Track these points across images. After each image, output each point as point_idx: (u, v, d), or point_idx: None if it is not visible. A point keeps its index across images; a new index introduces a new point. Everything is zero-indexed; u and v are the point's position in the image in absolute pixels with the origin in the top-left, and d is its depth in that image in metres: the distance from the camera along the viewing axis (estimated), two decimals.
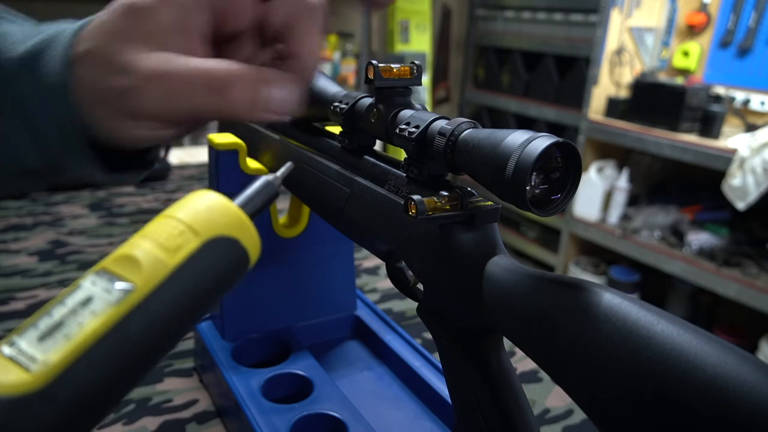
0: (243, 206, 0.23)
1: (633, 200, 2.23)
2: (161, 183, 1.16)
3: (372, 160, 0.39)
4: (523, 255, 2.72)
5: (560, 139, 0.26)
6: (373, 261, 0.87)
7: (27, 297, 0.70)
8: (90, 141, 0.30)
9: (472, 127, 0.31)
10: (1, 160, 0.30)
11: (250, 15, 0.31)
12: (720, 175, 1.79)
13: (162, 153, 1.24)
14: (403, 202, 0.34)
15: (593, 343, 0.24)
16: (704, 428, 0.20)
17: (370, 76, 0.34)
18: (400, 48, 2.85)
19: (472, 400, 0.33)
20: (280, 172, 0.26)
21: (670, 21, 2.23)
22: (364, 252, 0.88)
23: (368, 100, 0.38)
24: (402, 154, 0.36)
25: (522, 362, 0.63)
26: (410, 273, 0.37)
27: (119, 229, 0.91)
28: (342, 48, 2.71)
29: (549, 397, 0.58)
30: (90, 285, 0.19)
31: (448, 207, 0.31)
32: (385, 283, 0.80)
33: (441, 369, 0.49)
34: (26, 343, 0.18)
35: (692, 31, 2.22)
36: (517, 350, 0.65)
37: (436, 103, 3.16)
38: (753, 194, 1.70)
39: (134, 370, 0.19)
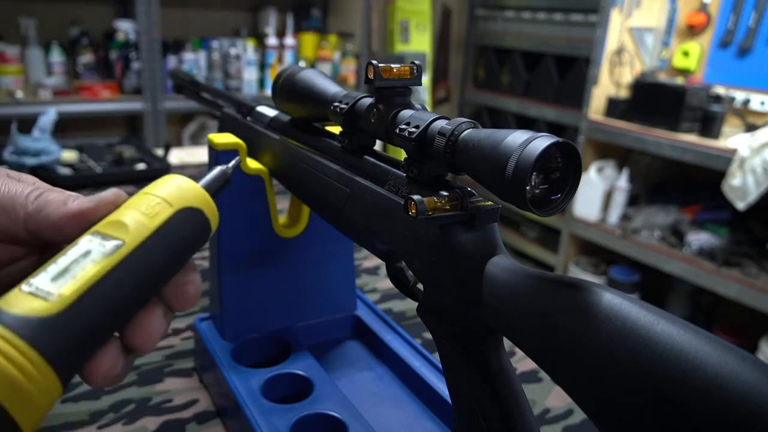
0: (205, 186, 0.29)
1: (633, 200, 2.23)
2: None
3: (372, 160, 0.39)
4: (523, 255, 2.72)
5: (560, 139, 0.26)
6: (373, 261, 0.87)
7: None
8: None
9: (472, 127, 0.31)
10: None
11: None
12: (720, 175, 1.79)
13: (162, 153, 1.24)
14: (403, 202, 0.34)
15: (593, 343, 0.24)
16: (704, 428, 0.20)
17: (370, 76, 0.34)
18: (400, 48, 2.85)
19: (472, 400, 0.33)
20: (231, 164, 0.31)
21: (670, 21, 2.23)
22: (364, 252, 0.88)
23: (368, 100, 0.38)
24: (402, 154, 0.36)
25: (522, 362, 0.63)
26: (410, 273, 0.37)
27: None
28: (342, 48, 2.71)
29: (549, 397, 0.58)
30: (88, 242, 0.25)
31: (448, 207, 0.31)
32: (385, 283, 0.80)
33: (441, 369, 0.49)
34: (41, 282, 0.23)
35: (692, 31, 2.22)
36: (517, 350, 0.65)
37: (436, 103, 3.16)
38: (753, 194, 1.70)
39: (127, 304, 0.25)
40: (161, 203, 0.26)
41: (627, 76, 2.21)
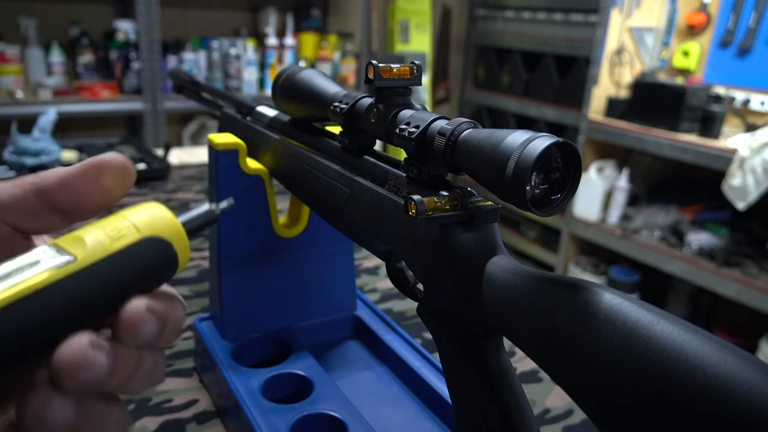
0: (185, 221, 0.27)
1: (633, 200, 2.23)
2: (161, 183, 1.16)
3: (372, 160, 0.39)
4: (523, 255, 2.72)
5: (560, 139, 0.26)
6: (373, 261, 0.87)
7: None
8: None
9: (472, 127, 0.31)
10: None
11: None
12: (720, 175, 1.79)
13: (162, 153, 1.24)
14: (403, 202, 0.34)
15: (593, 343, 0.24)
16: (704, 428, 0.20)
17: (370, 76, 0.34)
18: (400, 48, 2.85)
19: (472, 400, 0.33)
20: (221, 205, 0.30)
21: (670, 21, 2.23)
22: (364, 252, 0.88)
23: (368, 100, 0.38)
24: (402, 154, 0.36)
25: (522, 362, 0.63)
26: (410, 273, 0.37)
27: None
28: (342, 48, 2.71)
29: (549, 397, 0.58)
30: (41, 252, 0.24)
31: (448, 207, 0.31)
32: (385, 283, 0.80)
33: (441, 369, 0.49)
34: None
35: (692, 31, 2.22)
36: (517, 350, 0.65)
37: (436, 103, 3.16)
38: (753, 194, 1.70)
39: (62, 323, 0.23)
40: (129, 227, 0.25)
41: (627, 76, 2.21)
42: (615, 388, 0.23)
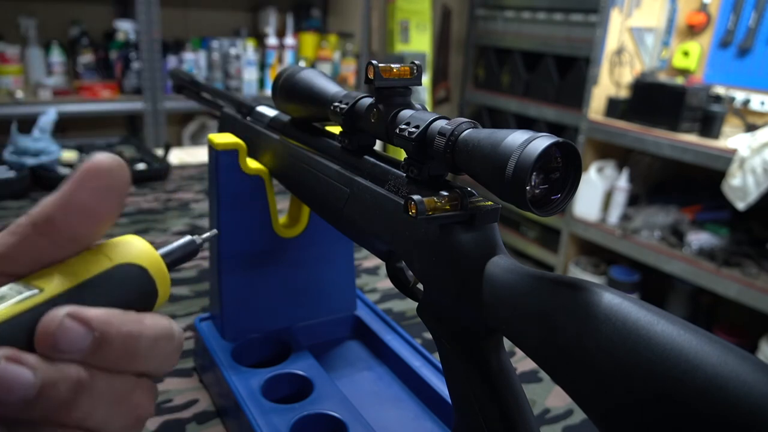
0: (163, 253, 0.27)
1: (633, 200, 2.23)
2: (161, 183, 1.16)
3: (372, 160, 0.39)
4: (523, 255, 2.72)
5: (560, 139, 0.26)
6: (373, 261, 0.87)
7: None
8: None
9: (472, 127, 0.31)
10: None
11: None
12: (720, 175, 1.79)
13: (162, 153, 1.24)
14: (403, 202, 0.34)
15: (593, 343, 0.24)
16: (704, 428, 0.20)
17: (370, 76, 0.34)
18: (400, 48, 2.85)
19: (472, 400, 0.33)
20: (203, 237, 0.30)
21: (670, 21, 2.23)
22: (364, 252, 0.88)
23: (368, 100, 0.38)
24: (402, 154, 0.36)
25: (522, 362, 0.63)
26: (410, 273, 0.37)
27: (119, 230, 0.91)
28: (342, 48, 2.71)
29: (549, 397, 0.58)
30: (7, 289, 0.23)
31: (448, 207, 0.31)
32: (385, 283, 0.80)
33: (441, 369, 0.49)
34: None
35: (692, 31, 2.22)
36: (517, 350, 0.65)
37: (436, 103, 3.16)
38: (753, 194, 1.70)
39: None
40: (101, 257, 0.25)
41: (627, 76, 2.21)
42: (615, 388, 0.23)
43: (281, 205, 0.71)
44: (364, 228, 0.39)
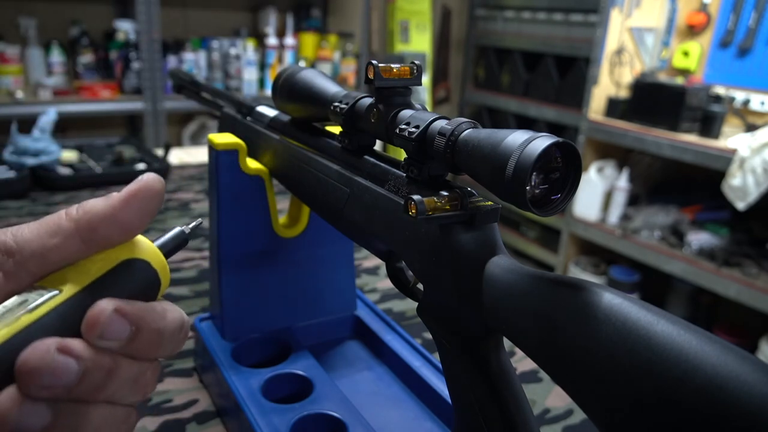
0: (159, 245, 0.29)
1: (633, 200, 2.23)
2: None
3: (372, 160, 0.39)
4: (523, 255, 2.72)
5: (560, 139, 0.26)
6: (373, 261, 0.87)
7: None
8: None
9: (472, 127, 0.31)
10: None
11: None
12: (720, 175, 1.79)
13: (162, 153, 1.24)
14: (403, 202, 0.34)
15: (593, 343, 0.24)
16: (704, 428, 0.20)
17: (370, 76, 0.34)
18: (400, 48, 2.85)
19: (472, 400, 0.33)
20: (191, 225, 0.32)
21: (670, 21, 2.23)
22: (364, 252, 0.88)
23: (368, 100, 0.38)
24: (402, 154, 0.36)
25: (522, 362, 0.63)
26: (410, 273, 0.37)
27: None
28: (342, 48, 2.71)
29: (549, 397, 0.58)
30: (26, 294, 0.25)
31: (448, 207, 0.31)
32: (385, 283, 0.80)
33: (441, 369, 0.49)
34: None
35: (692, 31, 2.22)
36: (517, 350, 0.65)
37: (436, 103, 3.16)
38: (753, 194, 1.70)
39: None
40: (109, 255, 0.26)
41: (627, 76, 2.21)
42: (615, 388, 0.23)
43: (281, 205, 0.71)
44: (364, 228, 0.39)
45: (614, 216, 2.19)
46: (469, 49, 3.04)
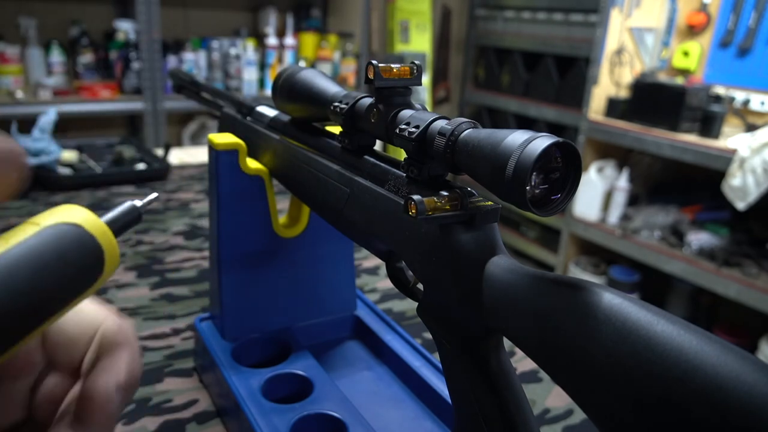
0: (106, 220, 0.26)
1: (633, 200, 2.23)
2: (161, 183, 1.16)
3: (372, 160, 0.39)
4: (523, 255, 2.72)
5: (560, 139, 0.26)
6: (373, 261, 0.87)
7: None
8: None
9: (472, 127, 0.31)
10: None
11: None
12: (720, 175, 1.79)
13: (162, 153, 1.24)
14: (403, 202, 0.34)
15: (593, 343, 0.24)
16: (704, 428, 0.20)
17: (370, 76, 0.34)
18: (400, 48, 2.85)
19: (472, 400, 0.33)
20: (144, 200, 0.29)
21: (670, 21, 2.23)
22: (364, 252, 0.88)
23: (368, 100, 0.38)
24: (402, 154, 0.36)
25: (522, 362, 0.63)
26: (410, 273, 0.37)
27: None
28: (342, 48, 2.71)
29: (549, 397, 0.58)
30: None
31: (448, 207, 0.31)
32: (385, 283, 0.80)
33: (441, 369, 0.49)
34: None
35: (692, 31, 2.22)
36: (517, 350, 0.65)
37: (436, 103, 3.16)
38: (753, 194, 1.70)
39: None
40: (28, 225, 0.24)
41: (627, 76, 2.21)
42: (615, 388, 0.23)
43: (281, 205, 0.71)
44: (364, 228, 0.39)
45: (614, 216, 2.19)
46: (469, 49, 3.04)
